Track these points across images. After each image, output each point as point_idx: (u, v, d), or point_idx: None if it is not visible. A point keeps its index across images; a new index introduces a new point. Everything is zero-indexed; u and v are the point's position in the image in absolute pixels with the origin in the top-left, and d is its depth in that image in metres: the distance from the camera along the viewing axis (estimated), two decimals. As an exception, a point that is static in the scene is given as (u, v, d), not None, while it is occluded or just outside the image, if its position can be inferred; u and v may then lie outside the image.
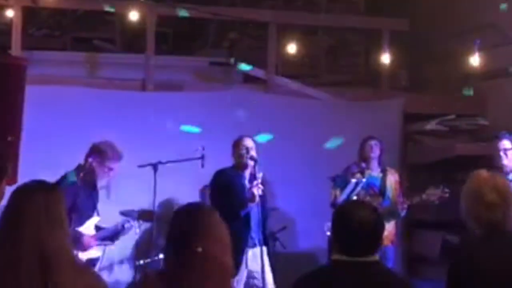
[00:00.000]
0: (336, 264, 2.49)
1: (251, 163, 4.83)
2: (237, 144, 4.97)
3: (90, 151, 4.84)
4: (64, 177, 4.70)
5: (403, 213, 5.43)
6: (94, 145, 4.85)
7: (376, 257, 2.48)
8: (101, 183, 4.87)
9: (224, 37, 7.69)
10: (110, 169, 4.81)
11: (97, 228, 4.87)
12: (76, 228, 4.59)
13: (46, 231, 2.21)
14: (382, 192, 5.53)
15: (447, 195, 5.36)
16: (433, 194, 5.34)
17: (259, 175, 4.75)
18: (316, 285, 2.48)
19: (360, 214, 2.48)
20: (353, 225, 2.45)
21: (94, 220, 4.84)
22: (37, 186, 2.35)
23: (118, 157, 4.82)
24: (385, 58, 6.65)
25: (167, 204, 5.86)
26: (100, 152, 4.79)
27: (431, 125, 6.78)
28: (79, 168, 4.80)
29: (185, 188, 5.82)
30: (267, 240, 4.92)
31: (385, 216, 5.48)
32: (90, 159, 4.77)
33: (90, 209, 4.78)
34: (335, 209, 2.59)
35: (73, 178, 4.71)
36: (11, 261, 2.16)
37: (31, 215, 2.23)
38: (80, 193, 4.67)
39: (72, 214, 4.52)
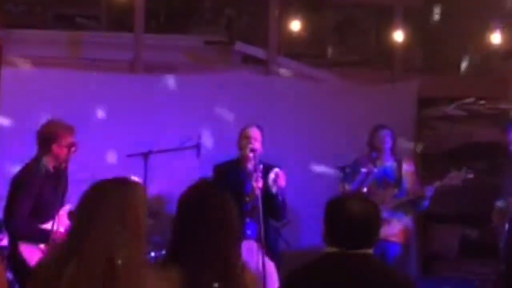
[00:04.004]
0: (328, 257, 2.55)
1: (250, 154, 4.83)
2: (240, 134, 4.99)
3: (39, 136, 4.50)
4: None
5: (426, 203, 5.39)
6: (40, 130, 4.53)
7: (371, 250, 2.53)
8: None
9: (221, 14, 7.64)
10: (71, 145, 4.47)
11: None
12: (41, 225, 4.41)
13: (118, 239, 2.10)
14: (397, 183, 5.49)
15: (471, 176, 5.32)
16: (455, 177, 5.30)
17: (260, 167, 4.74)
18: (308, 280, 2.54)
19: (354, 204, 2.55)
20: (347, 216, 2.52)
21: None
22: (114, 184, 2.22)
23: (69, 129, 4.50)
24: (398, 37, 6.59)
25: (159, 197, 5.83)
26: (51, 133, 4.48)
27: (448, 110, 6.75)
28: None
29: (179, 180, 5.78)
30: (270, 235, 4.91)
31: (405, 208, 5.48)
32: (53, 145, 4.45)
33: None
34: (328, 201, 2.61)
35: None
36: (79, 271, 2.08)
37: (103, 220, 2.12)
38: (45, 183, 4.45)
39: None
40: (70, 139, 4.49)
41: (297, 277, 2.61)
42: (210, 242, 2.33)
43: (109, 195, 2.18)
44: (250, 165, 4.82)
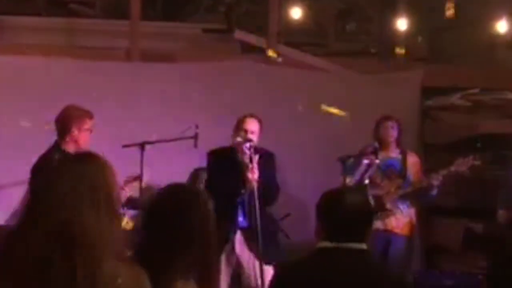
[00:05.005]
0: (321, 251, 2.54)
1: (247, 146, 4.80)
2: (237, 124, 4.94)
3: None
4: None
5: (433, 193, 5.35)
6: (59, 114, 4.62)
7: (364, 245, 2.54)
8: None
9: (219, 1, 7.61)
10: (91, 130, 4.61)
11: None
12: None
13: (78, 210, 1.94)
14: (402, 174, 5.46)
15: (479, 163, 5.29)
16: (463, 163, 5.27)
17: (256, 158, 4.71)
18: (301, 275, 2.53)
19: (347, 197, 2.58)
20: (340, 209, 2.53)
21: None
22: (77, 156, 2.12)
23: (88, 112, 4.63)
24: (401, 25, 6.56)
25: (155, 189, 5.80)
26: (71, 115, 4.57)
27: (452, 100, 6.73)
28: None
29: (176, 171, 5.76)
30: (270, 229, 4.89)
31: (411, 200, 5.45)
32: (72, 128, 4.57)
33: None
34: (322, 194, 2.62)
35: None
36: (29, 245, 1.91)
37: (60, 189, 1.96)
38: None
39: None
40: (90, 124, 4.54)
41: (290, 273, 2.60)
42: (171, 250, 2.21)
43: (71, 165, 2.04)
44: (245, 157, 4.79)
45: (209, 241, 2.27)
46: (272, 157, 4.95)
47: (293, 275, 2.57)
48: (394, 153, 5.54)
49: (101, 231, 1.96)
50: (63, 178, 2.01)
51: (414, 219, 5.50)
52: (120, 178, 5.00)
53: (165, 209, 2.29)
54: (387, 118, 5.56)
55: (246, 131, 4.83)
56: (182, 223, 2.24)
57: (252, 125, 4.87)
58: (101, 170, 2.07)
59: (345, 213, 2.53)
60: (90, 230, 1.95)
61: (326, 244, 2.53)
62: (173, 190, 2.39)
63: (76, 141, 4.53)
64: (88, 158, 2.10)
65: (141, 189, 5.11)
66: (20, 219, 2.03)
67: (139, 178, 4.80)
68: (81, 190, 1.99)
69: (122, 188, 4.60)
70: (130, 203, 5.21)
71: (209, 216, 2.30)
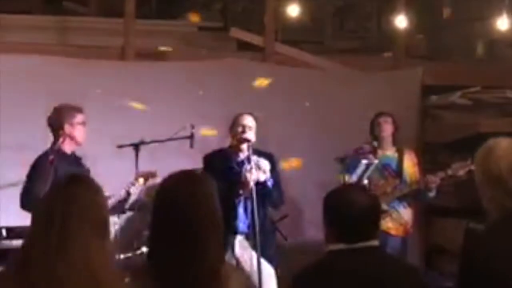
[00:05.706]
0: (333, 254, 2.52)
1: (244, 144, 4.78)
2: (233, 122, 4.93)
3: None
4: None
5: (431, 194, 5.36)
6: (49, 116, 4.69)
7: (376, 242, 2.53)
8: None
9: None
10: (84, 123, 4.68)
11: None
12: None
13: (94, 241, 1.99)
14: (399, 173, 5.46)
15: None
16: (461, 168, 5.26)
17: (253, 157, 4.69)
18: (316, 281, 2.50)
19: (355, 196, 2.55)
20: (349, 208, 2.50)
21: None
22: (75, 183, 2.08)
23: (77, 108, 4.70)
24: (401, 22, 6.56)
25: (151, 190, 5.79)
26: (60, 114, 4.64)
27: (453, 99, 6.73)
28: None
29: (172, 171, 5.75)
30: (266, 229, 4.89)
31: (407, 200, 5.44)
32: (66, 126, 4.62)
33: None
34: (326, 194, 2.59)
35: None
36: (59, 281, 1.94)
37: (75, 222, 1.99)
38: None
39: None
40: (81, 118, 4.62)
41: (309, 279, 2.53)
42: (181, 240, 2.20)
43: (75, 195, 2.05)
44: (242, 155, 4.77)
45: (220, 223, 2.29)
46: (271, 158, 4.92)
47: (313, 281, 2.51)
48: (390, 151, 5.54)
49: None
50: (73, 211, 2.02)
51: (410, 220, 5.51)
52: (115, 178, 5.05)
53: (181, 202, 2.28)
54: (380, 114, 5.58)
55: (243, 127, 4.81)
56: (206, 209, 2.26)
57: (249, 121, 4.86)
58: (98, 195, 2.10)
59: (355, 212, 2.50)
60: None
61: (340, 246, 2.50)
62: (181, 177, 2.41)
63: (71, 138, 4.60)
64: (80, 180, 2.12)
65: (139, 190, 5.10)
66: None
67: (153, 175, 4.84)
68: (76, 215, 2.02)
69: (133, 184, 4.69)
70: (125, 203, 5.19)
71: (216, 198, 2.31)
